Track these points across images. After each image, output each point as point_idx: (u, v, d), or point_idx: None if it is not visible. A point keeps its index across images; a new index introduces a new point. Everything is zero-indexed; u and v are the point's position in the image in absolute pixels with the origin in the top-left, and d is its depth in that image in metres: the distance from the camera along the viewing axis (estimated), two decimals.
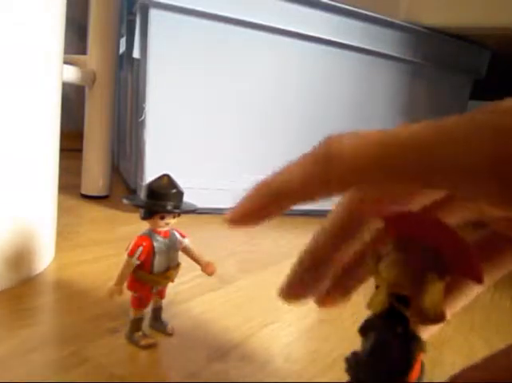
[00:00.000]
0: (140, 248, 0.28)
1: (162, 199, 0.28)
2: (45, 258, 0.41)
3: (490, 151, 0.11)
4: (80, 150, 0.74)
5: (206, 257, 0.32)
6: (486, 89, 0.85)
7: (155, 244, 0.29)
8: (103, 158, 0.74)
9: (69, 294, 0.37)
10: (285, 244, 0.61)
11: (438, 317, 0.18)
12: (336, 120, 0.79)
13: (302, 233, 0.68)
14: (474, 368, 0.14)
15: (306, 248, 0.18)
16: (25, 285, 0.37)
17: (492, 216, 0.17)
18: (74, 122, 0.95)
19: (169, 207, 0.28)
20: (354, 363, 0.19)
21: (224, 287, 0.42)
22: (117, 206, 0.69)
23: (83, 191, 0.74)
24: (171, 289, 0.33)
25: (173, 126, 0.67)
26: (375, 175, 0.13)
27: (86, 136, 0.73)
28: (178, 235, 0.31)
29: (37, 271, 0.40)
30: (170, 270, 0.30)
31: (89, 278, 0.40)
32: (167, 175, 0.29)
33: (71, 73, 0.65)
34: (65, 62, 0.51)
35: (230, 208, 0.16)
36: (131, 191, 0.79)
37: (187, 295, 0.39)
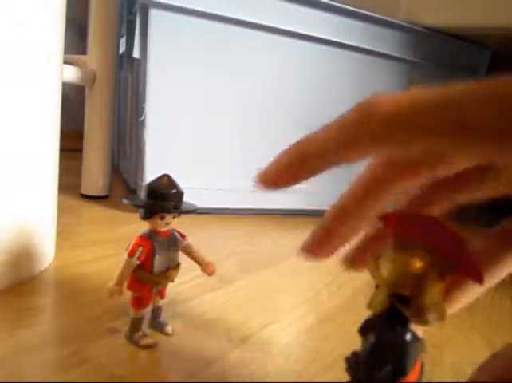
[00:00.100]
0: (140, 248, 0.28)
1: (162, 199, 0.28)
2: (45, 258, 0.41)
3: None
4: (80, 150, 0.74)
5: (206, 257, 0.32)
6: None
7: (155, 244, 0.29)
8: (103, 158, 0.74)
9: (69, 294, 0.37)
10: (285, 244, 0.61)
11: (438, 318, 0.18)
12: None
13: (302, 233, 0.68)
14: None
15: (330, 208, 0.18)
16: (25, 285, 0.37)
17: None
18: (74, 122, 0.95)
19: (169, 207, 0.28)
20: (354, 363, 0.19)
21: (224, 287, 0.42)
22: (117, 206, 0.69)
23: (83, 191, 0.74)
24: (171, 289, 0.33)
25: (173, 126, 0.67)
26: (411, 130, 0.13)
27: (86, 136, 0.73)
28: (178, 235, 0.31)
29: (37, 271, 0.40)
30: (170, 270, 0.30)
31: (89, 278, 0.40)
32: (167, 175, 0.29)
33: (71, 73, 0.65)
34: (65, 62, 0.51)
35: (262, 168, 0.16)
36: (131, 191, 0.79)
37: (187, 295, 0.39)
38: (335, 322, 0.38)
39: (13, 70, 0.33)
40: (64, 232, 0.50)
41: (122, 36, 0.83)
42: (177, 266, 0.31)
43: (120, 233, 0.56)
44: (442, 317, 0.18)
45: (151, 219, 0.29)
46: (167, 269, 0.30)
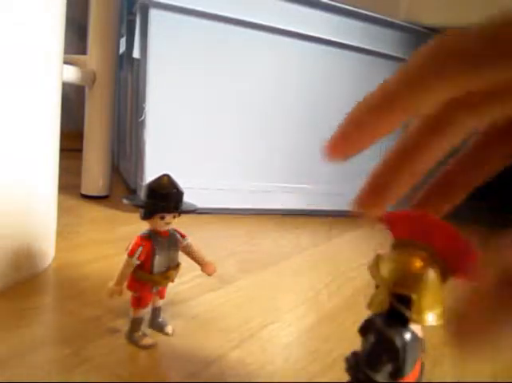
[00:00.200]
0: (140, 248, 0.28)
1: (162, 199, 0.28)
2: (45, 258, 0.41)
3: None
4: (80, 150, 0.74)
5: (206, 257, 0.32)
6: None
7: (155, 244, 0.29)
8: (103, 158, 0.74)
9: (69, 294, 0.37)
10: (285, 244, 0.61)
11: (438, 318, 0.18)
12: (336, 120, 0.79)
13: (302, 233, 0.68)
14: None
15: (387, 156, 0.18)
16: (25, 285, 0.37)
17: None
18: (74, 122, 0.95)
19: (169, 207, 0.28)
20: (354, 363, 0.19)
21: (224, 287, 0.42)
22: (117, 206, 0.69)
23: (83, 191, 0.74)
24: (171, 289, 0.33)
25: (173, 126, 0.67)
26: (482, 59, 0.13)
27: (86, 136, 0.74)
28: (178, 235, 0.31)
29: (38, 271, 0.40)
30: (170, 270, 0.30)
31: (89, 278, 0.40)
32: (167, 175, 0.29)
33: (71, 73, 0.65)
34: (65, 62, 0.51)
35: (329, 139, 0.16)
36: (131, 191, 0.79)
37: (187, 295, 0.39)
38: (335, 322, 0.38)
39: (13, 70, 0.33)
40: (64, 232, 0.50)
41: (122, 36, 0.83)
42: (177, 266, 0.31)
43: (120, 233, 0.56)
44: (442, 317, 0.18)
45: (151, 219, 0.29)
46: (167, 269, 0.30)
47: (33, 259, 0.39)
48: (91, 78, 0.70)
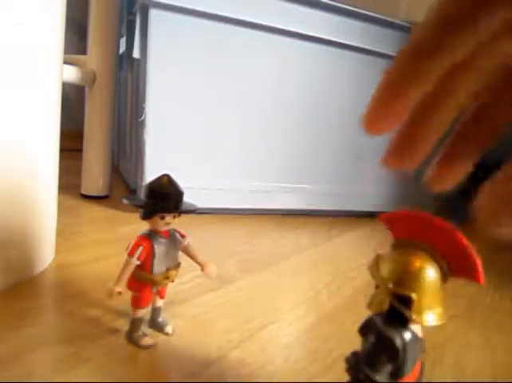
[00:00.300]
0: (140, 248, 0.28)
1: (162, 199, 0.28)
2: (45, 258, 0.41)
3: None
4: (80, 150, 0.74)
5: (206, 257, 0.32)
6: None
7: (155, 244, 0.29)
8: (103, 158, 0.74)
9: (69, 294, 0.37)
10: (285, 244, 0.61)
11: (438, 318, 0.18)
12: (336, 120, 0.79)
13: (302, 233, 0.68)
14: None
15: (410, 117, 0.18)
16: (25, 285, 0.37)
17: None
18: (74, 122, 0.95)
19: (169, 207, 0.28)
20: (354, 363, 0.19)
21: (224, 287, 0.42)
22: (117, 206, 0.69)
23: (83, 191, 0.74)
24: (171, 289, 0.33)
25: (173, 126, 0.67)
26: None
27: (86, 136, 0.74)
28: (178, 235, 0.31)
29: (38, 271, 0.40)
30: (170, 270, 0.30)
31: (89, 278, 0.40)
32: (167, 175, 0.29)
33: (71, 73, 0.65)
34: (65, 62, 0.51)
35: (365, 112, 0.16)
36: (131, 191, 0.79)
37: (186, 295, 0.39)
38: (335, 322, 0.38)
39: (13, 70, 0.33)
40: (64, 232, 0.50)
41: (122, 36, 0.83)
42: (177, 266, 0.31)
43: (120, 233, 0.56)
44: (442, 317, 0.18)
45: (151, 219, 0.29)
46: (167, 269, 0.30)
47: (33, 259, 0.39)
48: (91, 78, 0.70)
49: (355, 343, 0.20)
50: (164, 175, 0.29)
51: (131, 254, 0.28)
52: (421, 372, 0.20)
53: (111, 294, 0.28)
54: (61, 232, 0.47)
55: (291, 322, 0.37)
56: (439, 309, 0.18)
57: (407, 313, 0.18)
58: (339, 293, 0.45)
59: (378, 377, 0.18)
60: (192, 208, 0.30)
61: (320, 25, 0.72)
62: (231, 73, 0.69)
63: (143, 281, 0.30)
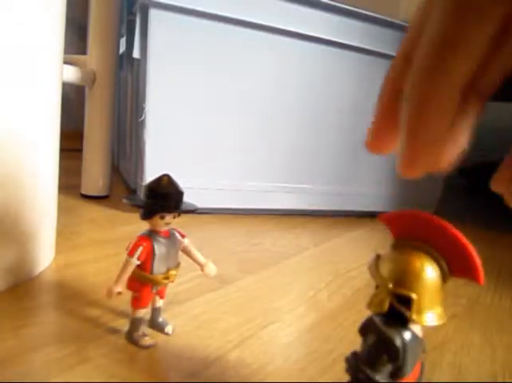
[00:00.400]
0: (140, 248, 0.28)
1: (162, 199, 0.28)
2: (45, 258, 0.41)
3: None
4: (80, 150, 0.74)
5: (206, 257, 0.32)
6: None
7: (155, 244, 0.29)
8: (103, 158, 0.74)
9: (69, 294, 0.37)
10: (285, 244, 0.61)
11: (438, 318, 0.18)
12: (336, 120, 0.79)
13: (302, 233, 0.68)
14: None
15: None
16: (25, 285, 0.37)
17: None
18: (74, 122, 0.95)
19: (169, 207, 0.28)
20: (354, 363, 0.19)
21: (224, 287, 0.42)
22: (117, 206, 0.69)
23: (83, 191, 0.74)
24: (171, 289, 0.33)
25: (173, 126, 0.67)
26: None
27: (86, 136, 0.74)
28: (178, 235, 0.31)
29: (38, 271, 0.40)
30: (170, 270, 0.30)
31: (89, 278, 0.40)
32: (167, 175, 0.29)
33: (71, 73, 0.65)
34: (65, 62, 0.51)
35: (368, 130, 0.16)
36: (131, 191, 0.79)
37: (186, 295, 0.39)
38: (335, 322, 0.38)
39: (13, 70, 0.33)
40: (64, 232, 0.50)
41: (122, 36, 0.83)
42: (177, 266, 0.31)
43: (120, 233, 0.56)
44: (442, 317, 0.18)
45: (151, 219, 0.29)
46: (167, 269, 0.30)
47: (33, 259, 0.39)
48: (91, 78, 0.70)
49: (355, 343, 0.20)
50: (164, 175, 0.29)
51: (131, 254, 0.28)
52: (421, 372, 0.20)
53: (111, 293, 0.28)
54: (61, 232, 0.47)
55: (291, 322, 0.37)
56: (439, 309, 0.18)
57: (407, 313, 0.18)
58: (339, 293, 0.45)
59: (378, 377, 0.18)
60: (192, 208, 0.30)
61: (320, 25, 0.72)
62: (231, 73, 0.69)
63: (143, 281, 0.30)
